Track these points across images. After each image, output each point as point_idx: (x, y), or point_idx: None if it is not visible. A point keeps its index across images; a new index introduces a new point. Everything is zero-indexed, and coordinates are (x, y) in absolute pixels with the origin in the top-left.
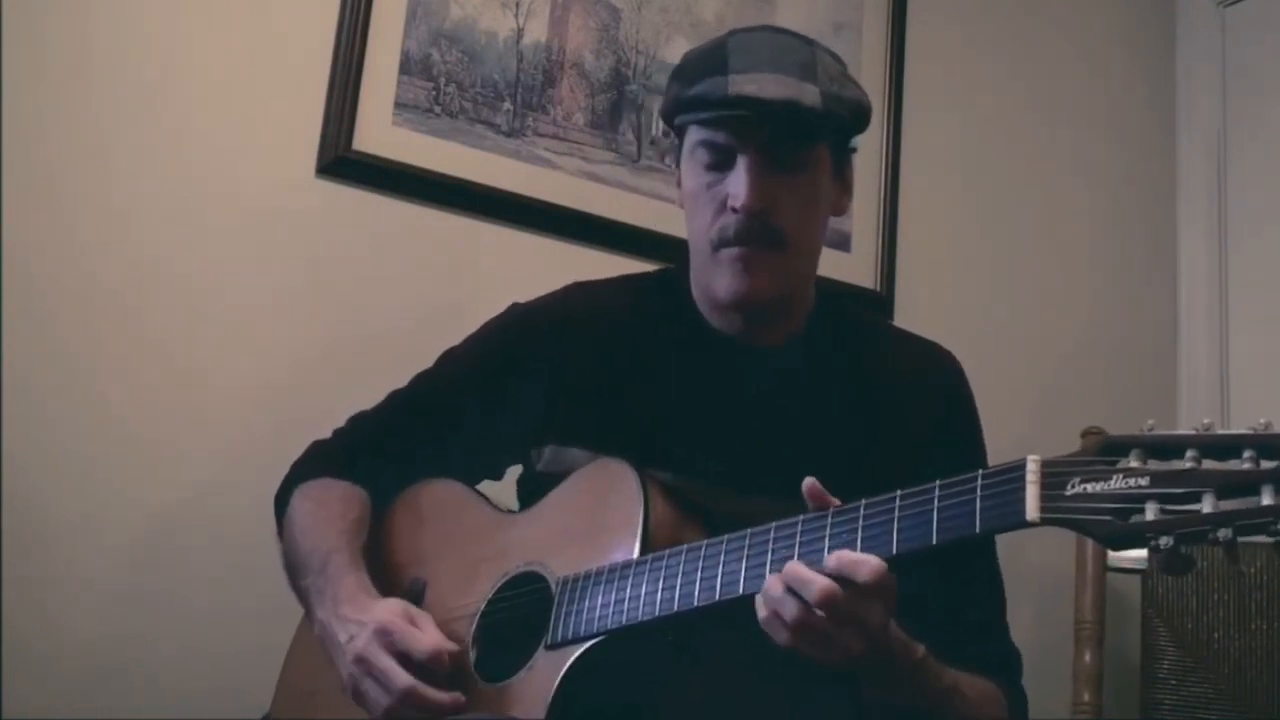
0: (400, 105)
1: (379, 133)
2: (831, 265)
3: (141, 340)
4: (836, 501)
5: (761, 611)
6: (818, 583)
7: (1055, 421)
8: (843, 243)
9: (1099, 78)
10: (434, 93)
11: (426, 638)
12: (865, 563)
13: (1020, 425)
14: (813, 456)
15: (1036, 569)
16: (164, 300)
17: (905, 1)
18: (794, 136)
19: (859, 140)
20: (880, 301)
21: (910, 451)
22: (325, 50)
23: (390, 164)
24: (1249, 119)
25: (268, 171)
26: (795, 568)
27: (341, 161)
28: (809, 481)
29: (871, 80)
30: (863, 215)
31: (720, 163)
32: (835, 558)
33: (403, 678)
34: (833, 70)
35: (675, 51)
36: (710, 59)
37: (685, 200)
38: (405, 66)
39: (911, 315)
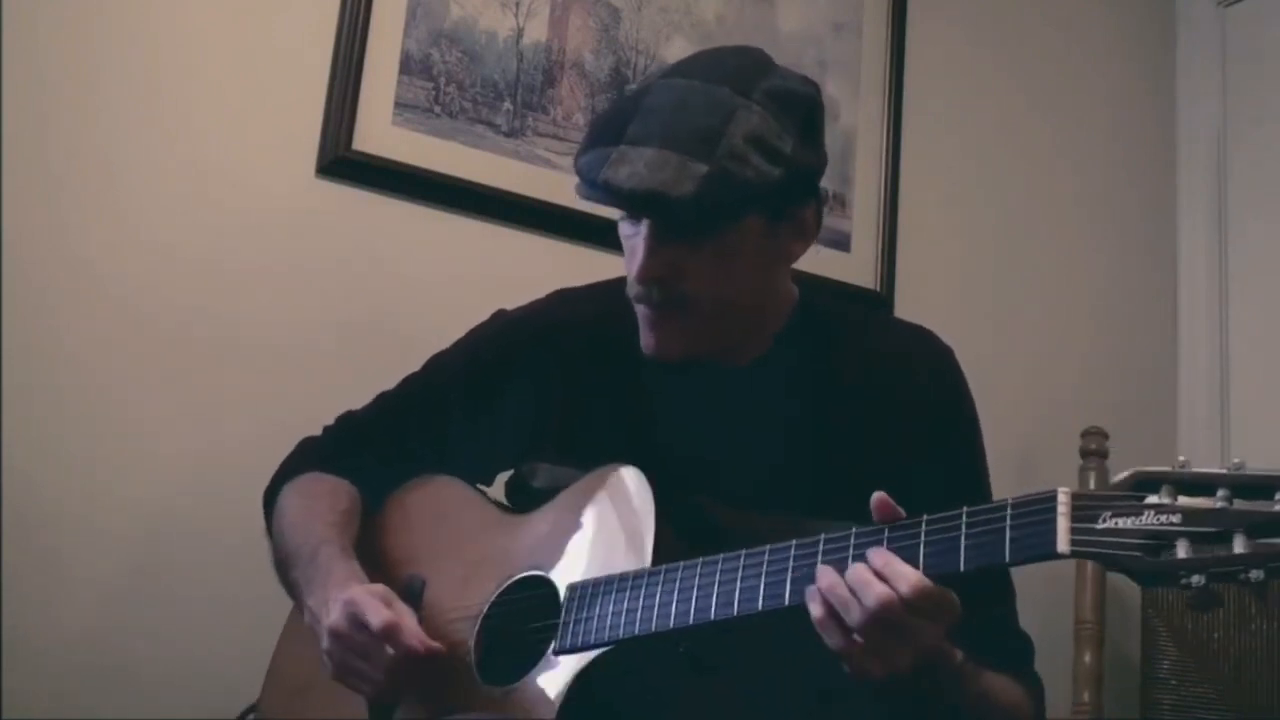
0: (400, 105)
1: (379, 133)
2: (831, 265)
3: (140, 339)
4: (902, 513)
5: (816, 611)
6: (875, 589)
7: (1055, 421)
8: (843, 243)
9: (1099, 78)
10: (434, 93)
11: (385, 611)
12: (904, 576)
13: (1020, 425)
14: (787, 473)
15: (1036, 569)
16: (163, 299)
17: (905, 1)
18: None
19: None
20: (880, 301)
21: (896, 453)
22: (325, 50)
23: (390, 164)
24: (1249, 119)
25: (268, 171)
26: (861, 571)
27: (341, 161)
28: (878, 496)
29: (871, 80)
30: (863, 215)
31: (634, 218)
32: (883, 559)
33: (383, 650)
34: (738, 140)
35: (675, 51)
36: (617, 118)
37: None
38: (405, 66)
39: (911, 315)
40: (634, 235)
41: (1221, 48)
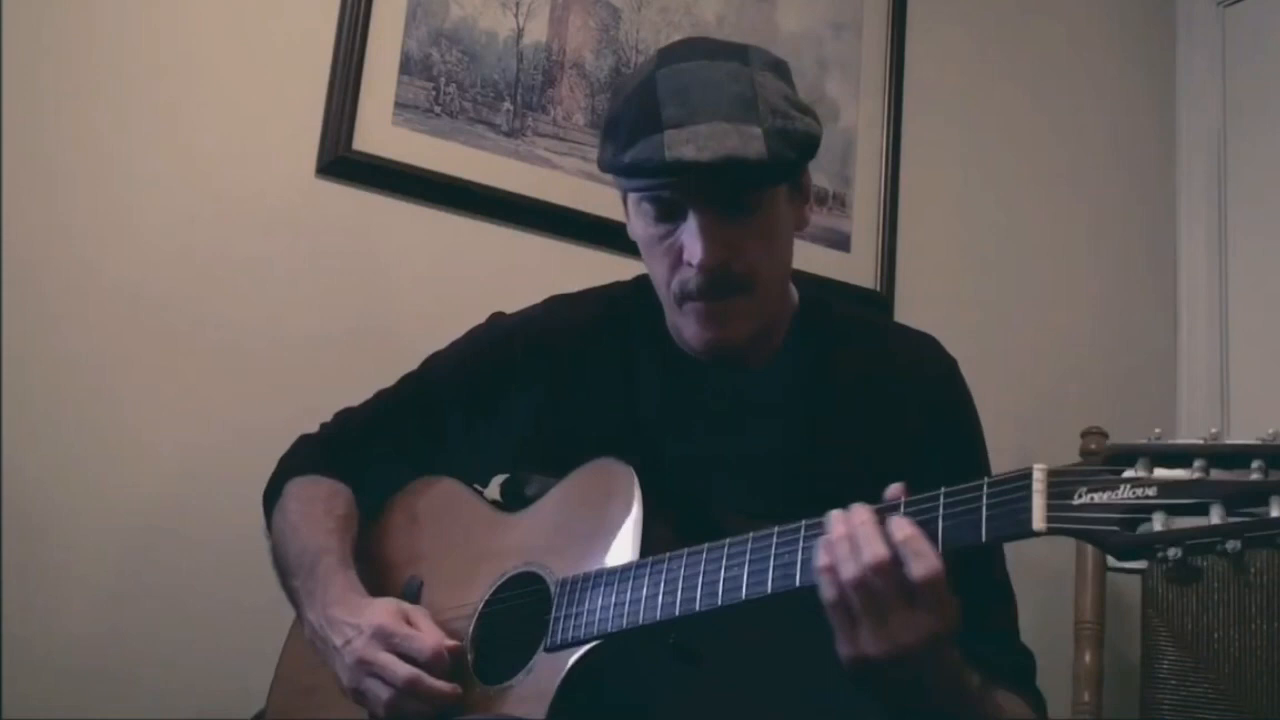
0: (400, 105)
1: (379, 133)
2: (831, 265)
3: (140, 339)
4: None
5: (821, 559)
6: (873, 549)
7: (1055, 421)
8: (843, 243)
9: (1099, 78)
10: (434, 93)
11: (426, 638)
12: (925, 557)
13: (1020, 425)
14: (802, 477)
15: (1036, 569)
16: (163, 299)
17: (905, 1)
18: (742, 188)
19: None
20: (880, 301)
21: (900, 458)
22: (325, 50)
23: (390, 164)
24: (1249, 119)
25: (268, 171)
26: (868, 523)
27: (341, 161)
28: (894, 488)
29: (871, 80)
30: (863, 215)
31: (669, 214)
32: (902, 531)
33: (404, 669)
34: (775, 99)
35: None
36: (642, 111)
37: (638, 243)
38: (405, 66)
39: (911, 315)
40: (670, 233)
41: (1221, 48)
